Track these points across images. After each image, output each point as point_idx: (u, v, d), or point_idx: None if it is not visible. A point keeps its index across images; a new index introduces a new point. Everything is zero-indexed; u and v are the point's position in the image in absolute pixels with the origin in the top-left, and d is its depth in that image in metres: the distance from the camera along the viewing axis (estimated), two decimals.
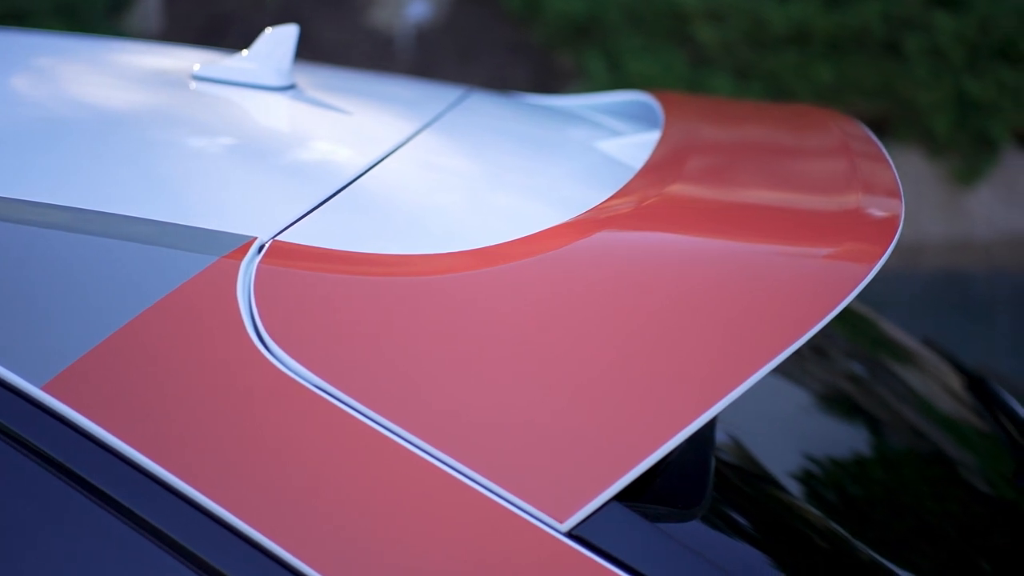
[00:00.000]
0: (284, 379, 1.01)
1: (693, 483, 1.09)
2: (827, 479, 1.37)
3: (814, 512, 1.25)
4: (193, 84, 1.53)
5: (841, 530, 1.23)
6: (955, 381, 1.82)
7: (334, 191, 1.19)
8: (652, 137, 1.50)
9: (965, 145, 6.05)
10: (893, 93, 5.99)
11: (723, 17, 6.02)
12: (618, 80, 6.08)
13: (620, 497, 0.98)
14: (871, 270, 1.06)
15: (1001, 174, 6.13)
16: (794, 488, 1.29)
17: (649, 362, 1.01)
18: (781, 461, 1.32)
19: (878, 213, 1.17)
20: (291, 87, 1.54)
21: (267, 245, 1.08)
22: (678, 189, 1.19)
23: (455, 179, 1.35)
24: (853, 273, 1.06)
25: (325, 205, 1.16)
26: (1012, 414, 1.68)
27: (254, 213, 1.14)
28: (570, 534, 0.97)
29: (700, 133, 1.47)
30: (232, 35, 6.67)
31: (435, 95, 1.77)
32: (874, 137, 1.49)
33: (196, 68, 1.56)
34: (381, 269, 1.06)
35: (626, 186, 1.22)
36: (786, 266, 1.08)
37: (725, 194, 1.25)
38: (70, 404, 1.01)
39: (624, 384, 1.00)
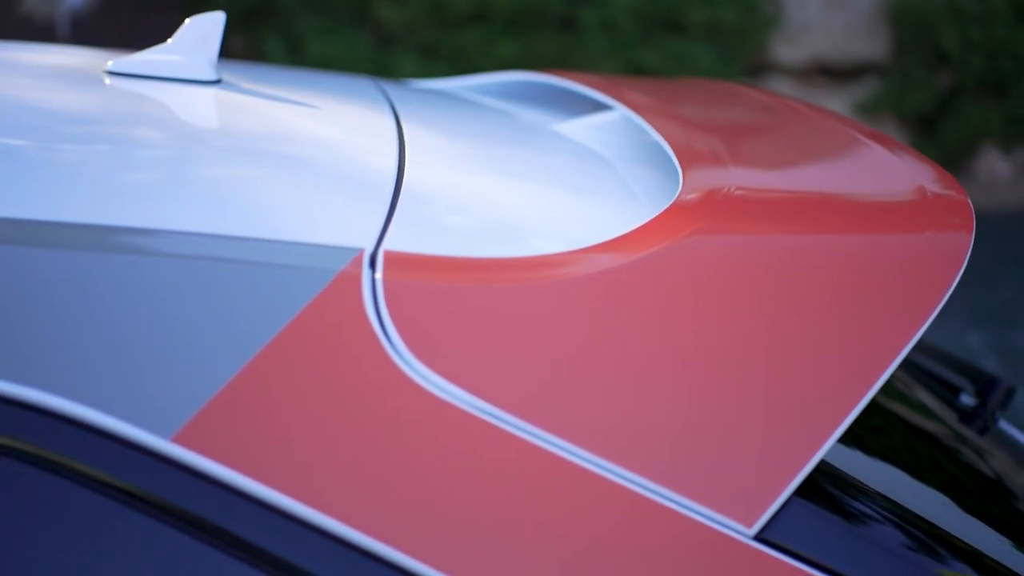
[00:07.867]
0: (434, 400, 0.91)
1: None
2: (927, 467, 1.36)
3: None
4: (113, 81, 1.36)
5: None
6: None
7: (392, 194, 1.08)
8: (607, 118, 1.46)
9: None
10: (571, 67, 6.14)
11: None
12: (299, 63, 5.94)
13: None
14: (970, 239, 1.07)
15: None
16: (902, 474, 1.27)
17: (805, 351, 0.97)
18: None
19: (936, 183, 1.18)
20: (219, 81, 1.40)
21: (380, 255, 0.96)
22: (745, 176, 1.16)
23: (486, 175, 1.25)
24: (957, 244, 1.06)
25: (398, 209, 1.05)
26: (942, 380, 1.72)
27: (335, 221, 1.02)
28: (759, 538, 0.93)
29: (676, 113, 1.43)
30: None
31: (351, 85, 1.66)
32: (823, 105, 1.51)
33: (110, 64, 1.38)
34: (515, 273, 0.97)
35: (688, 173, 1.16)
36: (899, 247, 1.07)
37: (785, 182, 1.23)
38: (206, 454, 0.87)
39: (786, 374, 0.96)
